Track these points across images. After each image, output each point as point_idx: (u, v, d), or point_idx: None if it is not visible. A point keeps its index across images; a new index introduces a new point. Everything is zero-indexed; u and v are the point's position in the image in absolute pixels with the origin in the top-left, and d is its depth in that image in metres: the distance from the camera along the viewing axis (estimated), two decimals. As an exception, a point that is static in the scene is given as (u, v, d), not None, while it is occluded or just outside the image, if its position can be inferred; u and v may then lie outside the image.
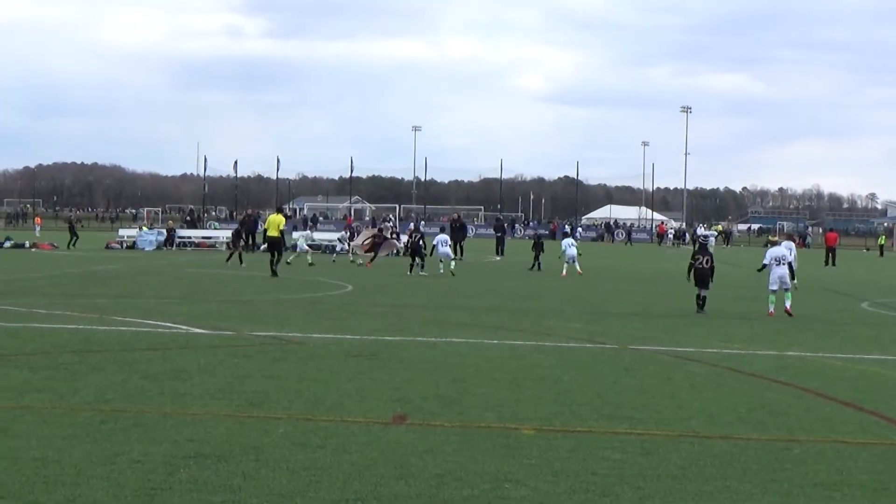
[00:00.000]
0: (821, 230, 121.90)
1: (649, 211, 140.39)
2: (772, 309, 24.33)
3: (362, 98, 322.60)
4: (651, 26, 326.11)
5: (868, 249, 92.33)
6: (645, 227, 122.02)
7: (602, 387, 13.39)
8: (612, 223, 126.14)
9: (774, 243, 26.75)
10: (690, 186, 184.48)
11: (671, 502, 8.07)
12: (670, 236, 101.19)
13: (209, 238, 62.19)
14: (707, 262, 24.99)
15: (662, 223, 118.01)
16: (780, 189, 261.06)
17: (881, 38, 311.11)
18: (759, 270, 25.74)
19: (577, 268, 39.46)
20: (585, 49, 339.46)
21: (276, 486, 8.16)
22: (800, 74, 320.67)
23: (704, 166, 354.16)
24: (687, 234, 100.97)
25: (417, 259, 37.30)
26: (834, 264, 56.49)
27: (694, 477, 8.80)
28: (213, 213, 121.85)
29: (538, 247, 42.69)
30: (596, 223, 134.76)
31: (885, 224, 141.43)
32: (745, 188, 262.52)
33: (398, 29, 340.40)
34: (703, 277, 24.91)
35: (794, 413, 11.97)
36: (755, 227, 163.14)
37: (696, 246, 33.15)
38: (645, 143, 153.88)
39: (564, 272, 38.94)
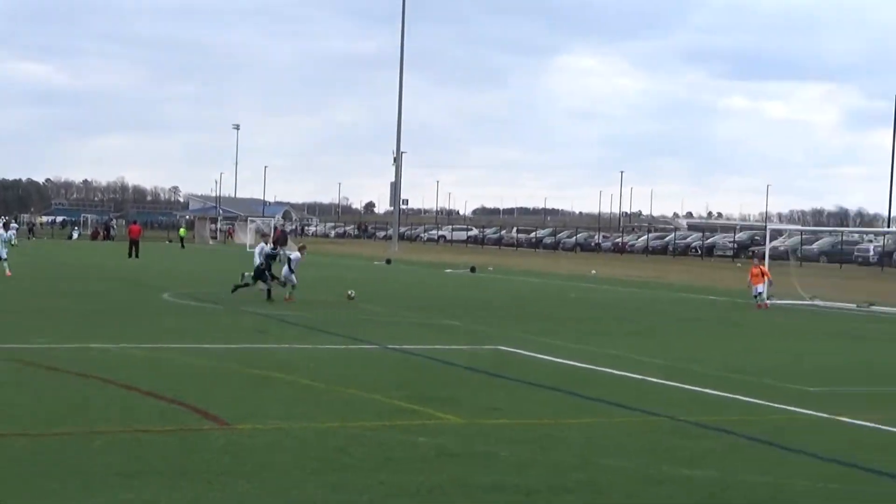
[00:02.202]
0: (125, 222, 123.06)
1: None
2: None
3: None
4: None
5: (171, 241, 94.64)
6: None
7: None
8: None
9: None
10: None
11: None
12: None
13: None
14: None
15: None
16: (86, 181, 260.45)
17: (180, 36, 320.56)
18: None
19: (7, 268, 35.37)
20: None
21: None
22: (105, 67, 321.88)
23: (7, 157, 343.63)
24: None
25: None
26: (137, 256, 57.26)
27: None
28: None
29: None
30: None
31: (188, 216, 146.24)
32: (48, 179, 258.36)
33: None
34: (260, 274, 29.27)
35: (96, 405, 12.09)
36: (59, 219, 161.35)
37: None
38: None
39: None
